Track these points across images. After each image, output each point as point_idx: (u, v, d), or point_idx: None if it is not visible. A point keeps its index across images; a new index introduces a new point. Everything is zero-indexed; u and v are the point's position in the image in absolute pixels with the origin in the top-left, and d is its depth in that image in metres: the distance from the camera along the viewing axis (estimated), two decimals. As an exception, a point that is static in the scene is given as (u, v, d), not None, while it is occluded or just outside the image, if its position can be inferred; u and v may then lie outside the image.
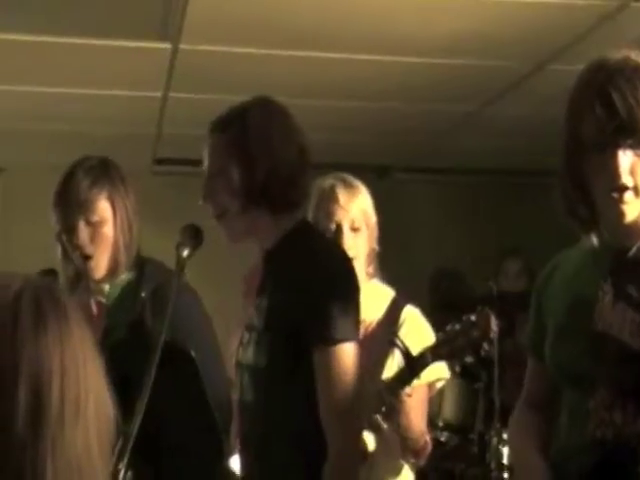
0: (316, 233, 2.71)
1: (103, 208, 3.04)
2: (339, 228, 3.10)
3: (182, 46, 4.21)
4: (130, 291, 3.04)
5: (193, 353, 2.48)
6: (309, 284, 2.42)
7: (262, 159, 2.49)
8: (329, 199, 3.11)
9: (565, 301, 2.17)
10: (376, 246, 3.23)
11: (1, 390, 1.21)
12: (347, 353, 2.39)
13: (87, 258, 3.02)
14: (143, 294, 3.00)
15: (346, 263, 2.53)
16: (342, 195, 3.12)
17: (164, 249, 2.98)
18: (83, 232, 3.02)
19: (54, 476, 1.21)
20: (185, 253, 2.53)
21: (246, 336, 2.58)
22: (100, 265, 3.03)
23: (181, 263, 2.53)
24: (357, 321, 2.49)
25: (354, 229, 3.14)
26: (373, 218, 3.20)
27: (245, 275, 3.29)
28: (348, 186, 3.16)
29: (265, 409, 2.49)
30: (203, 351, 2.60)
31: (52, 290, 1.31)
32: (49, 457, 1.21)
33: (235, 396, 2.65)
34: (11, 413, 1.20)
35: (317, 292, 2.40)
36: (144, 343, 2.75)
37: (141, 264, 3.09)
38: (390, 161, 6.36)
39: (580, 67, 2.11)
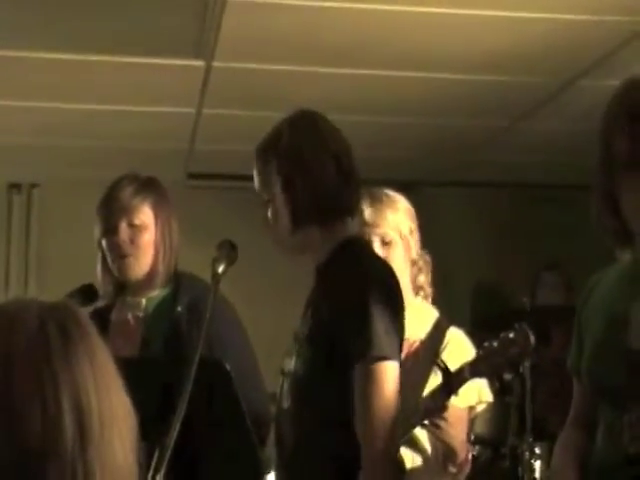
0: (364, 248, 2.68)
1: (146, 214, 3.07)
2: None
3: (215, 64, 4.25)
4: (167, 304, 3.07)
5: (228, 366, 2.50)
6: (353, 299, 2.42)
7: (298, 178, 2.51)
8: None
9: (602, 318, 2.17)
10: (416, 255, 3.22)
11: (49, 419, 1.24)
12: (387, 371, 2.39)
13: (125, 257, 3.05)
14: (179, 307, 3.03)
15: (391, 279, 2.52)
16: (368, 212, 3.10)
17: (197, 263, 3.01)
18: (124, 232, 3.04)
19: None
20: (220, 269, 2.55)
21: (292, 345, 2.59)
22: (138, 265, 3.04)
23: (216, 278, 2.56)
24: (400, 339, 2.48)
25: (385, 243, 3.14)
26: (405, 228, 3.17)
27: None
28: (375, 201, 3.15)
29: (299, 417, 2.51)
30: (240, 364, 2.63)
31: (72, 311, 1.33)
32: (98, 473, 1.25)
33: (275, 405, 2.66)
34: (61, 439, 1.24)
35: (360, 308, 2.40)
36: (181, 356, 2.78)
37: (177, 278, 3.12)
38: (421, 176, 6.37)
39: (610, 83, 2.11)
